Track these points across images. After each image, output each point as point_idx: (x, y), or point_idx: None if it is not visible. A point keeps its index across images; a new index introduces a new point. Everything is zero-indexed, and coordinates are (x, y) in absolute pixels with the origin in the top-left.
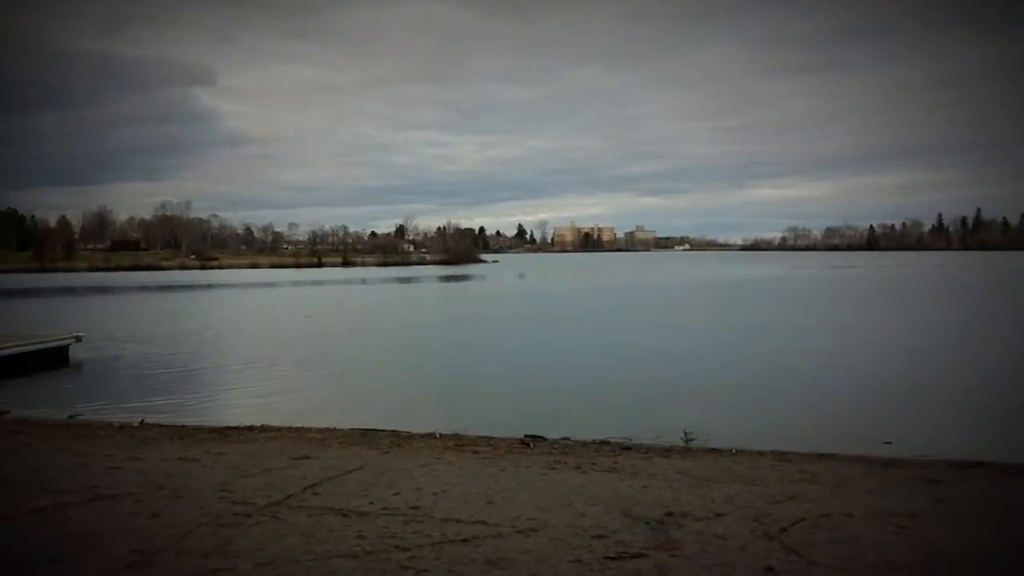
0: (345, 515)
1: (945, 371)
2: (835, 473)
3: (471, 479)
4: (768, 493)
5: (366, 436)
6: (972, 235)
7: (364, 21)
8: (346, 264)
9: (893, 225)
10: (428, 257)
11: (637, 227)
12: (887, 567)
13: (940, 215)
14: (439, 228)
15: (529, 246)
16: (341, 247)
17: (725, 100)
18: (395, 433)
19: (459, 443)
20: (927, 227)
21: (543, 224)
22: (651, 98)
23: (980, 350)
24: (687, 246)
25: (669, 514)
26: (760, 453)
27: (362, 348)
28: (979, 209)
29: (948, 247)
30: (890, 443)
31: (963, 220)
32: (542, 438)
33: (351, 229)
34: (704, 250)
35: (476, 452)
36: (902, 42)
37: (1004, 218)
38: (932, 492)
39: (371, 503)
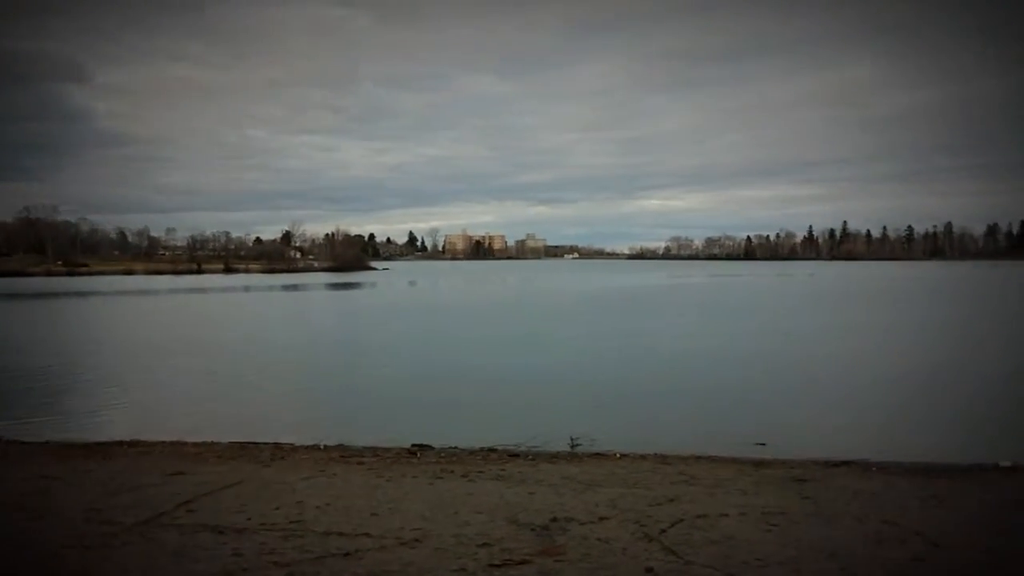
0: (220, 532)
1: (815, 374)
2: (712, 475)
3: (355, 490)
4: (650, 495)
5: (246, 450)
6: (839, 246)
7: (255, 21)
8: (228, 271)
9: (768, 236)
10: (316, 264)
11: (528, 235)
12: (758, 564)
13: (811, 227)
14: (327, 235)
15: (420, 254)
16: (223, 253)
17: (613, 112)
18: (277, 445)
19: (344, 454)
20: (799, 238)
21: (434, 232)
22: (542, 109)
23: (846, 353)
24: (576, 255)
25: (554, 519)
26: (643, 456)
27: (243, 359)
28: (845, 222)
29: (818, 257)
30: (764, 444)
31: (831, 232)
32: (429, 447)
33: (234, 235)
34: (592, 259)
35: (362, 463)
36: (779, 61)
37: (868, 230)
38: (801, 490)
39: (249, 519)
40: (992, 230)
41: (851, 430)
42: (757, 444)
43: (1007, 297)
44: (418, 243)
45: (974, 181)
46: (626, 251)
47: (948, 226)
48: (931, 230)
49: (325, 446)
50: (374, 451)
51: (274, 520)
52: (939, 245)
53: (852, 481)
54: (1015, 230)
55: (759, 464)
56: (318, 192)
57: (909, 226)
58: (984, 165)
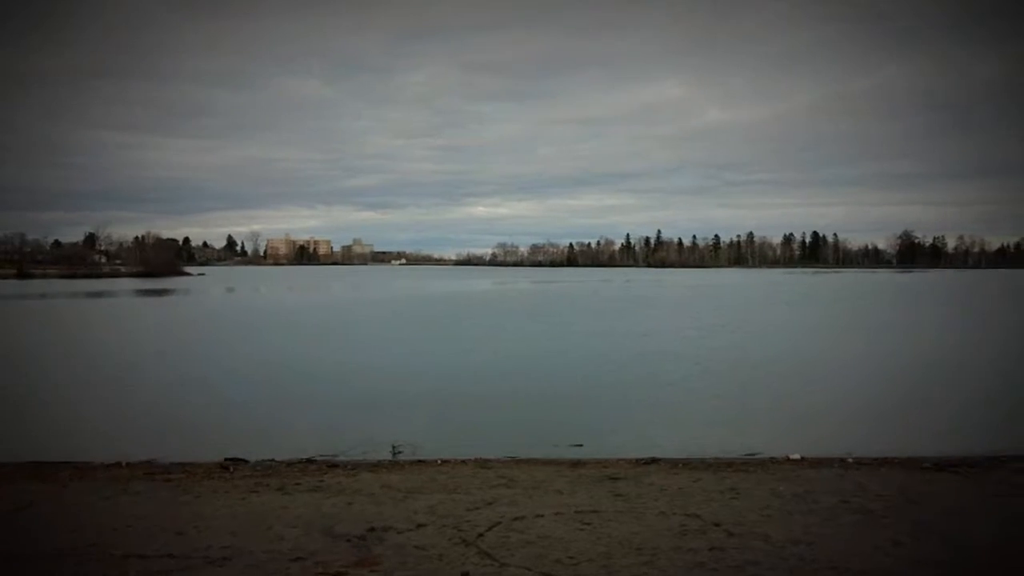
0: (5, 560)
1: (630, 375)
2: (531, 477)
3: (161, 509)
4: (469, 500)
5: (40, 469)
6: (653, 253)
7: (64, 5)
8: (22, 276)
9: (589, 243)
10: (123, 269)
11: (354, 241)
12: (571, 561)
13: (628, 235)
14: (137, 238)
15: (240, 259)
16: (16, 256)
17: (441, 119)
18: (73, 465)
19: (150, 471)
20: (617, 245)
21: (255, 236)
22: (370, 113)
23: (660, 354)
24: (403, 261)
25: (371, 529)
26: (464, 461)
27: (35, 372)
28: (659, 231)
29: (635, 264)
30: (581, 445)
31: (647, 240)
32: (244, 461)
33: (30, 237)
34: (420, 264)
35: (169, 480)
36: (596, 76)
37: (679, 239)
38: (614, 488)
39: (39, 545)
40: (788, 239)
41: (662, 429)
42: (574, 445)
43: (797, 299)
44: (238, 248)
45: (771, 195)
46: (453, 257)
47: (750, 236)
48: (735, 239)
49: (128, 463)
50: (183, 467)
51: (68, 545)
52: (742, 253)
53: (661, 478)
54: (807, 240)
55: (575, 464)
56: (128, 193)
57: (716, 235)
58: (778, 181)
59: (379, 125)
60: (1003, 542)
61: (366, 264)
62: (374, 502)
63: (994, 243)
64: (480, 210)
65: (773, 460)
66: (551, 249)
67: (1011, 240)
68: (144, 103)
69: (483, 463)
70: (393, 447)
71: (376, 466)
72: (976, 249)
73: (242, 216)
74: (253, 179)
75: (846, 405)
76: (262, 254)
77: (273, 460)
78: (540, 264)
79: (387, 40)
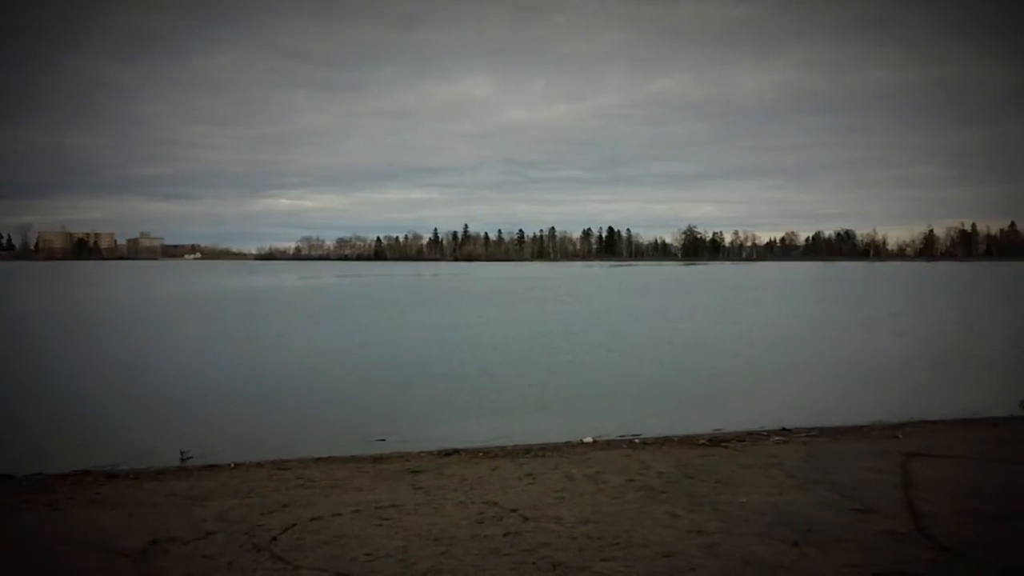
0: None
1: (435, 368)
2: (329, 476)
3: None
4: (263, 504)
5: None
6: (461, 248)
7: None
8: None
9: (397, 237)
10: None
11: (142, 234)
12: (367, 558)
13: (436, 229)
14: None
15: (6, 253)
16: None
17: (243, 107)
18: None
19: None
20: (426, 239)
21: (25, 228)
22: (164, 97)
23: (464, 346)
24: (198, 255)
25: (154, 542)
26: (259, 464)
27: None
28: (467, 225)
29: (442, 258)
30: (383, 440)
31: (454, 234)
32: (9, 477)
33: None
34: (218, 259)
35: None
36: (403, 70)
37: (486, 233)
38: (414, 481)
39: None
40: (587, 234)
41: (464, 420)
42: (377, 440)
43: (595, 291)
44: (3, 241)
45: (570, 192)
46: (254, 252)
47: (552, 230)
48: (538, 234)
49: None
50: None
51: None
52: (544, 247)
53: (461, 468)
54: (604, 234)
55: (377, 460)
56: None
57: (520, 230)
58: (576, 179)
59: (175, 110)
60: (767, 508)
61: (156, 259)
62: (158, 513)
63: (763, 238)
64: (284, 202)
65: (568, 444)
66: (358, 243)
67: (777, 235)
68: None
69: (280, 464)
70: (182, 453)
71: (161, 474)
72: (749, 243)
73: (11, 206)
74: (26, 167)
75: (635, 389)
76: (33, 248)
77: (42, 474)
78: (347, 258)
79: (184, 20)
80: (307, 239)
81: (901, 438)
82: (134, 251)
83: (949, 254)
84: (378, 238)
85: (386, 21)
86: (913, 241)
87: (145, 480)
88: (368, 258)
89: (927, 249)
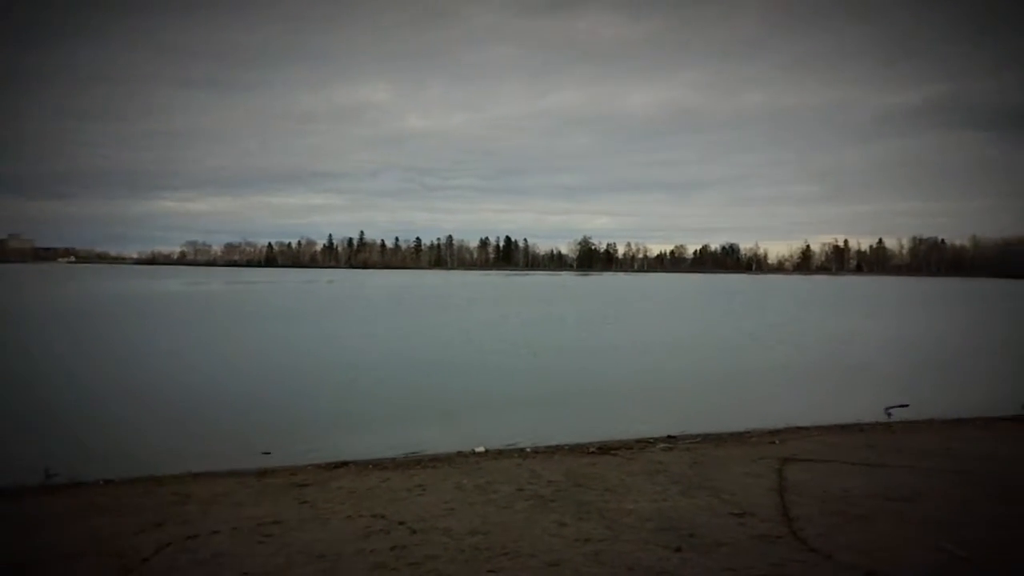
0: None
1: (323, 380)
2: (210, 491)
3: None
4: (135, 523)
5: None
6: (356, 255)
7: None
8: None
9: (290, 243)
10: None
11: (10, 235)
12: None
13: (331, 236)
14: None
15: None
16: None
17: (124, 103)
18: None
19: None
20: (320, 246)
21: None
22: (33, 89)
23: (351, 357)
24: (73, 258)
25: (13, 566)
26: (132, 481)
27: None
28: (363, 232)
29: (337, 265)
30: (269, 453)
31: (350, 241)
32: None
33: None
34: (94, 263)
35: None
36: (303, 72)
37: (382, 240)
38: (300, 495)
39: None
40: (484, 243)
41: (353, 432)
42: (263, 454)
43: (494, 299)
44: None
45: (467, 201)
46: (135, 256)
47: (449, 239)
48: (435, 242)
49: None
50: None
51: None
52: (442, 256)
53: (350, 481)
54: (501, 244)
55: (262, 474)
56: None
57: (417, 237)
58: (473, 187)
59: (44, 103)
60: (652, 514)
61: (25, 262)
62: (17, 535)
63: (655, 250)
64: (170, 204)
65: (460, 454)
66: (248, 249)
67: (667, 248)
68: None
69: (156, 480)
70: (46, 470)
71: (23, 492)
72: (641, 255)
73: None
74: None
75: (527, 398)
76: None
77: None
78: (236, 264)
79: (68, 10)
80: (193, 243)
81: (778, 444)
82: (2, 254)
83: (824, 268)
84: (269, 243)
85: (288, 19)
86: (792, 255)
87: (3, 499)
88: (259, 264)
89: (804, 263)
